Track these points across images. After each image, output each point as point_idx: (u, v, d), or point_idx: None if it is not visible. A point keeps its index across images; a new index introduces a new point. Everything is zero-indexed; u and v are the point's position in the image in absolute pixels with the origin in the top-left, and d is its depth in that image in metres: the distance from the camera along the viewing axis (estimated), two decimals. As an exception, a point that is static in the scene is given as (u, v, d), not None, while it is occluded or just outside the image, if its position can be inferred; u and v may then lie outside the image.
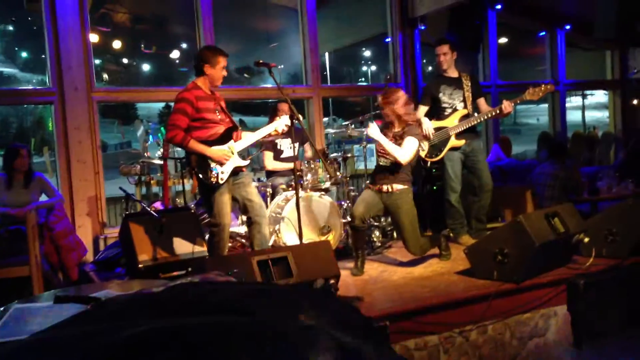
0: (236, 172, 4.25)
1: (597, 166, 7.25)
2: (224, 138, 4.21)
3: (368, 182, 4.69)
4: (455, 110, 5.23)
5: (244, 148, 4.38)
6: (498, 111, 5.13)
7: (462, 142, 5.19)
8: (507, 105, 5.08)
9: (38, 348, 0.90)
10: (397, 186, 4.36)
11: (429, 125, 5.17)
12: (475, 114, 5.24)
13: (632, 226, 4.33)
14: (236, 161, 4.22)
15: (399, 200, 4.36)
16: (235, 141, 4.27)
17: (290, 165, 5.54)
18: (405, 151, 4.30)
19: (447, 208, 5.32)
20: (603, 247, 4.31)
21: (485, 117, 5.25)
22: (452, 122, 5.20)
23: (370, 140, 6.06)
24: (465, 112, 5.22)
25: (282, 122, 4.38)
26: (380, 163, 4.47)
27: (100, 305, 1.22)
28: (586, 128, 14.02)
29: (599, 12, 8.18)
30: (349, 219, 5.38)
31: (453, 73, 5.31)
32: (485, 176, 5.25)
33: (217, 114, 4.22)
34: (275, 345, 0.86)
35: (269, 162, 5.79)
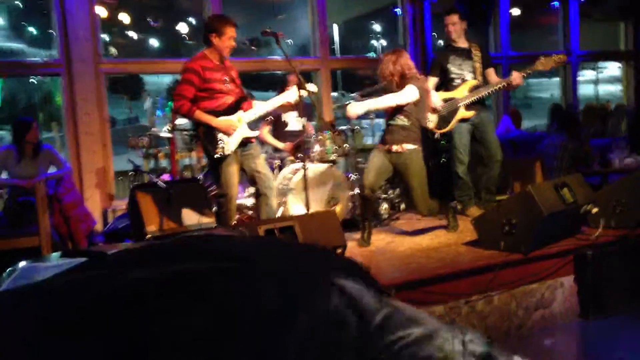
0: (245, 143, 4.24)
1: (608, 138, 7.17)
2: (233, 108, 4.19)
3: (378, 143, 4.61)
4: (464, 81, 5.16)
5: (253, 119, 4.35)
6: (508, 83, 5.05)
7: (471, 113, 5.13)
8: (516, 77, 5.01)
9: (45, 291, 0.92)
10: (407, 146, 4.32)
11: (436, 98, 5.11)
12: (485, 85, 5.17)
13: (640, 197, 4.29)
14: (244, 132, 4.20)
15: (407, 160, 4.32)
16: (244, 112, 4.25)
17: (279, 143, 5.52)
18: (401, 94, 4.23)
19: (455, 180, 5.29)
20: (612, 219, 4.27)
21: (495, 89, 5.17)
22: (461, 93, 5.13)
23: (378, 114, 6.02)
24: (475, 82, 5.14)
25: (293, 93, 4.35)
26: (390, 123, 4.42)
27: (106, 255, 1.23)
28: (599, 102, 13.83)
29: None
30: (356, 191, 5.37)
31: (462, 43, 5.22)
32: (495, 147, 5.19)
33: (227, 84, 4.19)
34: (275, 286, 0.86)
35: (263, 134, 5.69)
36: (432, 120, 5.16)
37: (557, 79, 9.73)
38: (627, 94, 9.03)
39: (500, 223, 3.88)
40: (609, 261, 3.96)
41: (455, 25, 5.16)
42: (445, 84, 5.21)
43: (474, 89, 5.12)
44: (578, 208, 4.02)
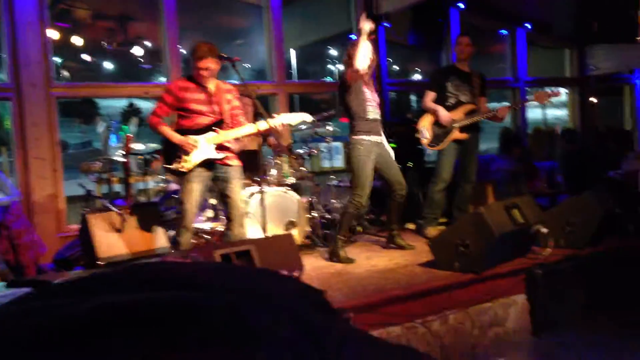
0: (214, 164, 4.25)
1: (556, 161, 7.42)
2: (208, 129, 4.25)
3: (360, 137, 4.63)
4: (459, 102, 5.32)
5: (221, 141, 4.32)
6: (494, 114, 5.32)
7: (465, 135, 5.30)
8: (502, 110, 5.32)
9: None
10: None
11: (446, 114, 5.24)
12: (478, 112, 5.36)
13: (588, 217, 4.46)
14: (209, 153, 4.21)
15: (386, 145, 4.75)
16: (217, 133, 4.27)
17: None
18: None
19: (430, 196, 5.38)
20: (561, 238, 4.42)
21: (484, 117, 5.39)
22: (458, 114, 5.29)
23: (335, 138, 6.11)
24: (472, 107, 5.33)
25: (264, 123, 4.34)
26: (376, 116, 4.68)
27: (52, 285, 1.19)
28: (547, 125, 14.29)
29: (557, 10, 8.38)
30: (313, 214, 5.39)
31: (465, 67, 5.42)
32: (472, 170, 5.42)
33: (209, 105, 4.26)
34: (226, 318, 0.85)
35: None
36: (426, 137, 5.27)
37: (506, 104, 10.06)
38: (573, 118, 9.41)
39: (455, 244, 3.96)
40: (559, 279, 4.07)
41: (468, 47, 5.36)
42: (440, 101, 5.35)
43: (470, 112, 5.28)
44: (528, 228, 4.14)
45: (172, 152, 4.23)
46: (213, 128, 4.25)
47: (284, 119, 4.36)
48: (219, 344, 0.84)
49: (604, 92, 9.99)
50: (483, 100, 5.47)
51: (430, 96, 5.39)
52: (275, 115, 4.37)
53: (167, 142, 4.27)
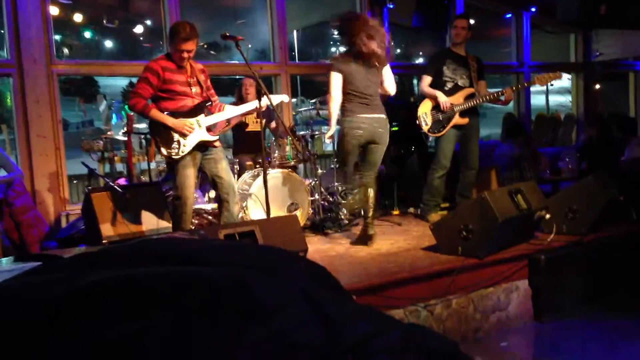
0: (205, 147, 4.22)
1: (559, 147, 7.41)
2: (195, 111, 4.17)
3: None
4: (457, 86, 5.26)
5: (213, 123, 4.30)
6: (498, 96, 5.19)
7: (465, 120, 5.23)
8: (509, 93, 5.20)
9: None
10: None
11: (445, 99, 5.17)
12: (477, 95, 5.27)
13: (590, 204, 4.45)
14: (202, 135, 4.17)
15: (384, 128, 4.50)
16: (206, 116, 4.22)
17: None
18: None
19: (430, 182, 5.35)
20: (563, 224, 4.42)
21: (486, 99, 5.28)
22: (458, 99, 5.23)
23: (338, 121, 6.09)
24: (471, 90, 5.25)
25: (259, 102, 4.31)
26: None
27: (62, 258, 1.18)
28: (549, 112, 14.27)
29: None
30: (316, 196, 5.39)
31: (461, 51, 5.34)
32: (474, 156, 5.35)
33: (191, 86, 4.18)
34: (237, 293, 0.84)
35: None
36: (427, 124, 5.23)
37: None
38: (577, 105, 9.36)
39: (458, 228, 3.96)
40: (561, 265, 4.08)
41: (464, 30, 5.28)
42: (437, 85, 5.30)
43: (469, 97, 5.23)
44: (532, 214, 4.13)
45: (165, 136, 4.09)
46: (204, 109, 4.21)
47: (265, 100, 4.30)
48: (230, 319, 0.83)
49: (609, 78, 9.94)
50: (483, 84, 5.41)
51: (426, 80, 5.32)
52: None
53: (157, 126, 4.10)
